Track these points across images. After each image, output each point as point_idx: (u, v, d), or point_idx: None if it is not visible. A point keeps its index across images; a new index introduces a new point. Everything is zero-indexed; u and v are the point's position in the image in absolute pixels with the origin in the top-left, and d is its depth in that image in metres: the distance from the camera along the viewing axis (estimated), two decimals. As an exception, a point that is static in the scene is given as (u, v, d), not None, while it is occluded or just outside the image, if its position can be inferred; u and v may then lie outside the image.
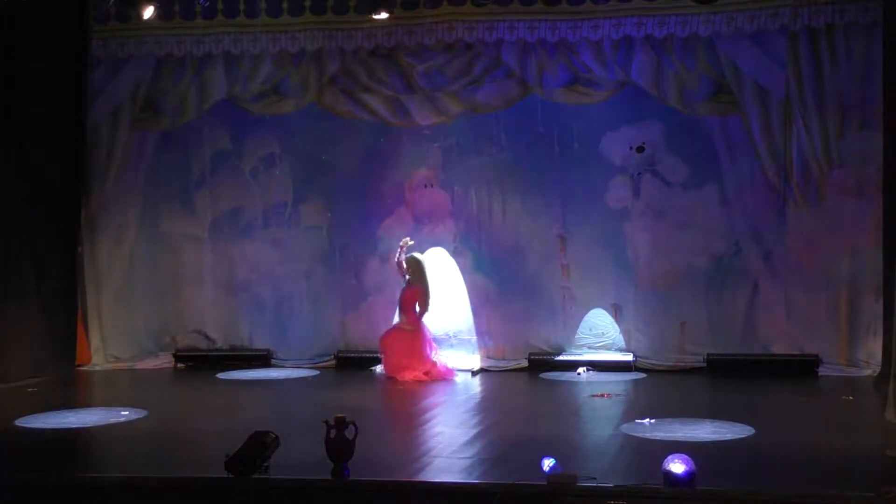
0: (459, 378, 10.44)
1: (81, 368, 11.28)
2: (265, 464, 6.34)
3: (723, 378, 10.14)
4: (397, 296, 10.70)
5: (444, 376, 10.38)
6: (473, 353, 10.98)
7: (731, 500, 5.81)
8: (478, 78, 11.00)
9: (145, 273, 11.55)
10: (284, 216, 11.43)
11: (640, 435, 7.59)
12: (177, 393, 10.43)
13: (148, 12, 10.48)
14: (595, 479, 6.10)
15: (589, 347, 10.82)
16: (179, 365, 11.40)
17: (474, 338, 11.01)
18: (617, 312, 10.80)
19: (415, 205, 11.20)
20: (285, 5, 11.18)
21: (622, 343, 10.77)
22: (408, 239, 10.67)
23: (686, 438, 7.39)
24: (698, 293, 10.57)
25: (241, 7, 11.22)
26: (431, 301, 10.61)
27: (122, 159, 11.47)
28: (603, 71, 10.72)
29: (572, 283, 10.86)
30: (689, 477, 5.91)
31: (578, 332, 10.84)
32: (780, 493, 5.84)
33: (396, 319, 10.77)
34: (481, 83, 10.99)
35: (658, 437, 7.46)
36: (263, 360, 11.34)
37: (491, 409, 9.17)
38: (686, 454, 6.06)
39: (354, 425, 6.34)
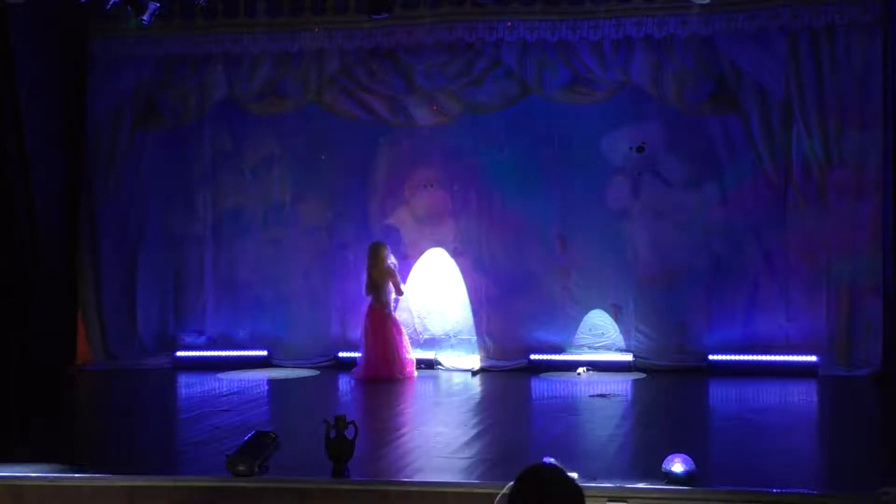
0: (459, 378, 10.45)
1: (81, 368, 11.27)
2: (265, 464, 6.34)
3: (723, 378, 10.14)
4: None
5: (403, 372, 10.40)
6: (473, 353, 10.99)
7: (731, 500, 5.81)
8: (478, 78, 10.98)
9: (146, 273, 11.54)
10: (284, 216, 11.44)
11: (639, 435, 7.59)
12: (177, 393, 10.43)
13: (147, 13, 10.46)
14: (595, 479, 6.09)
15: (589, 347, 10.81)
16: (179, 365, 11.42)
17: (474, 338, 11.01)
18: (617, 312, 10.79)
19: (415, 205, 11.20)
20: (285, 5, 11.19)
21: (622, 343, 10.77)
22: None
23: (685, 438, 7.38)
24: (698, 293, 10.56)
25: (241, 7, 11.23)
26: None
27: (123, 159, 11.47)
28: (603, 71, 10.71)
29: (572, 283, 10.86)
30: (689, 477, 5.91)
31: (578, 332, 10.84)
32: (781, 493, 5.83)
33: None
34: (481, 83, 10.98)
35: (658, 437, 7.47)
36: (263, 360, 11.34)
37: (491, 409, 9.17)
38: (686, 454, 6.07)
39: (354, 425, 6.34)
